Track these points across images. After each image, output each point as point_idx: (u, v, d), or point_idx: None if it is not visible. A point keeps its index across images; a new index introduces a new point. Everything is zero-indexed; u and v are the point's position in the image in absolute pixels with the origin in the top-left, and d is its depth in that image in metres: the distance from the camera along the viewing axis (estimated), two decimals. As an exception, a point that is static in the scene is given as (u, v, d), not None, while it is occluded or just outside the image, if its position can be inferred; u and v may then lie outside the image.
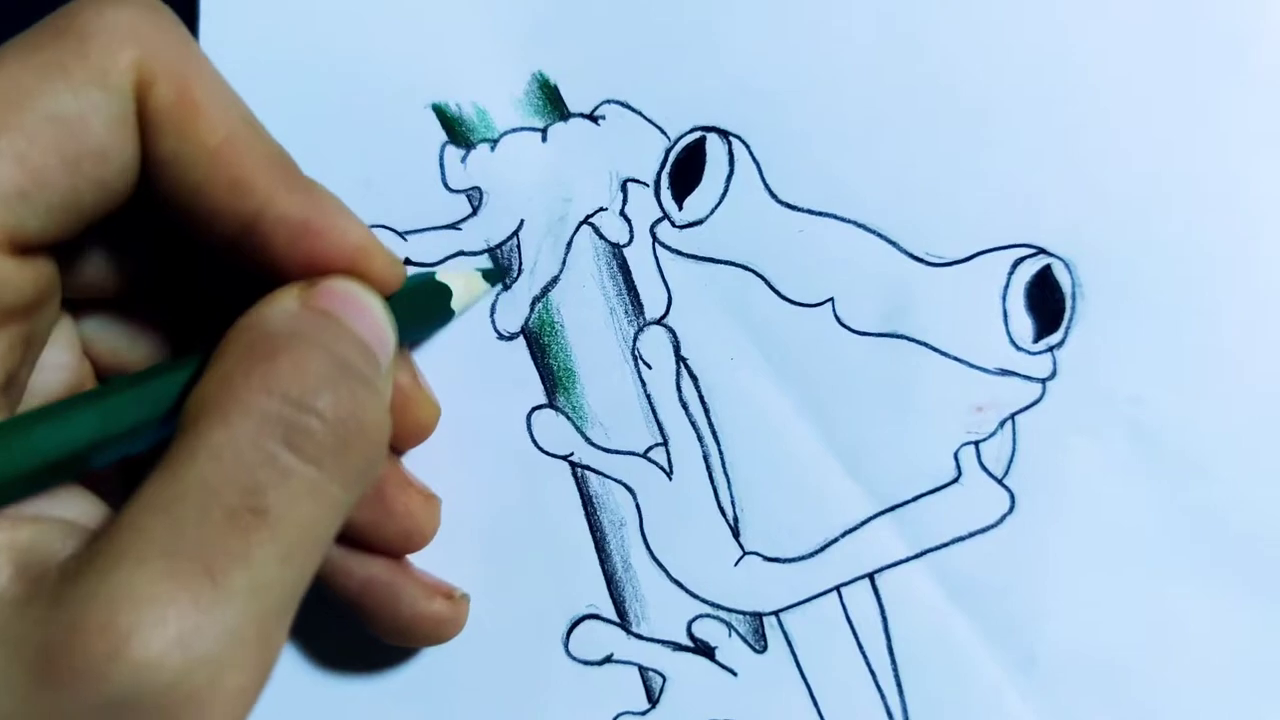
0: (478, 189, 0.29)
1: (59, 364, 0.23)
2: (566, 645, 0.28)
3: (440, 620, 0.27)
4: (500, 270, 0.28)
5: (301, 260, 0.22)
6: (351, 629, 0.27)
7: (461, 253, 0.28)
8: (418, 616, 0.26)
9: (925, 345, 0.28)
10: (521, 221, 0.29)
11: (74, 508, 0.20)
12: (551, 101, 0.28)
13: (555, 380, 0.28)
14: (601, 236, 0.28)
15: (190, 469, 0.18)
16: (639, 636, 0.28)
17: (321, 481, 0.19)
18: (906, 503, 0.28)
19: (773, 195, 0.28)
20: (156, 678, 0.17)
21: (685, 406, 0.28)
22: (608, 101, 0.28)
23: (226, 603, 0.18)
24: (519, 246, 0.28)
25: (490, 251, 0.29)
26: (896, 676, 0.28)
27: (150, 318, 0.25)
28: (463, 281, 0.28)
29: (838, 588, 0.28)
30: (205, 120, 0.21)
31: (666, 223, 0.28)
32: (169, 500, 0.18)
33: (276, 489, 0.19)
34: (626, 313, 0.28)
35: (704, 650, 0.28)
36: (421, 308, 0.27)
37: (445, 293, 0.27)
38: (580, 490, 0.28)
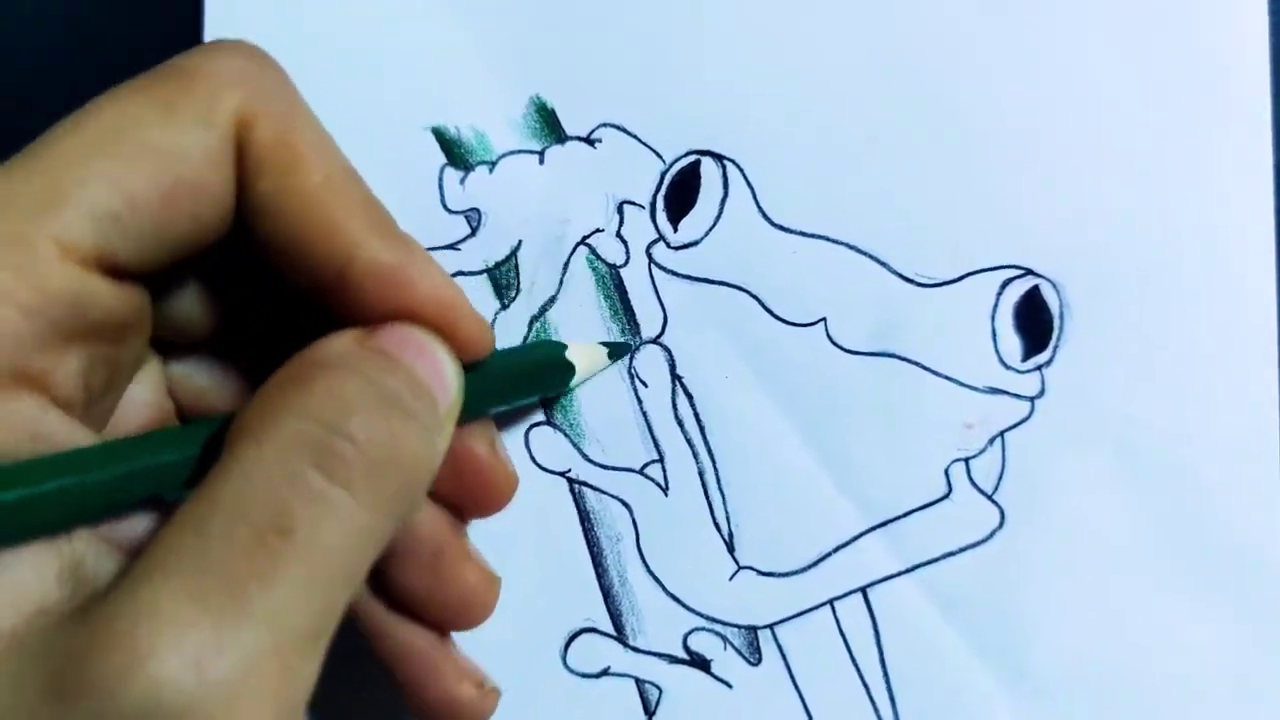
0: (476, 210, 0.29)
1: (144, 401, 0.24)
2: (564, 658, 0.29)
3: (464, 707, 0.26)
4: (625, 346, 0.29)
5: (389, 309, 0.22)
6: (348, 638, 0.27)
7: (460, 273, 0.29)
8: (443, 699, 0.25)
9: (916, 364, 0.28)
10: (519, 242, 0.29)
11: (139, 526, 0.20)
12: (549, 125, 0.29)
13: (553, 398, 0.29)
14: (598, 257, 0.29)
15: (222, 489, 0.18)
16: (636, 649, 0.29)
17: (351, 506, 0.19)
18: (898, 518, 0.28)
19: (766, 217, 0.29)
20: (170, 699, 0.17)
21: (681, 424, 0.29)
22: (604, 125, 0.29)
23: (247, 626, 0.17)
24: (517, 267, 0.29)
25: (489, 271, 0.29)
26: (889, 688, 0.28)
27: (237, 363, 0.25)
28: (586, 356, 0.28)
29: (831, 601, 0.28)
30: (304, 163, 0.21)
31: (662, 244, 0.29)
32: (199, 519, 0.18)
33: (303, 510, 0.18)
34: (623, 332, 0.29)
35: (699, 663, 0.29)
36: (534, 375, 0.27)
37: (565, 366, 0.27)
38: (578, 506, 0.29)
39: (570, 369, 0.27)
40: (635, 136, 0.29)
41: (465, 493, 0.25)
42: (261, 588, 0.18)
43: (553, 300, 0.29)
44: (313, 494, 0.18)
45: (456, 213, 0.29)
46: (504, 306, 0.29)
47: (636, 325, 0.29)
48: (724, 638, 0.29)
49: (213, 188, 0.21)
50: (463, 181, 0.29)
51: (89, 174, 0.20)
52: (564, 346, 0.28)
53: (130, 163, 0.20)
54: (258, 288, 0.24)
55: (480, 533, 0.29)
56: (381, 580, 0.25)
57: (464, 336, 0.23)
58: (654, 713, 0.29)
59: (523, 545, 0.29)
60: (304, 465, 0.19)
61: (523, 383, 0.27)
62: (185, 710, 0.17)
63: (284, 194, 0.21)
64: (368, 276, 0.21)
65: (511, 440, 0.29)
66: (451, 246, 0.29)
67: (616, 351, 0.29)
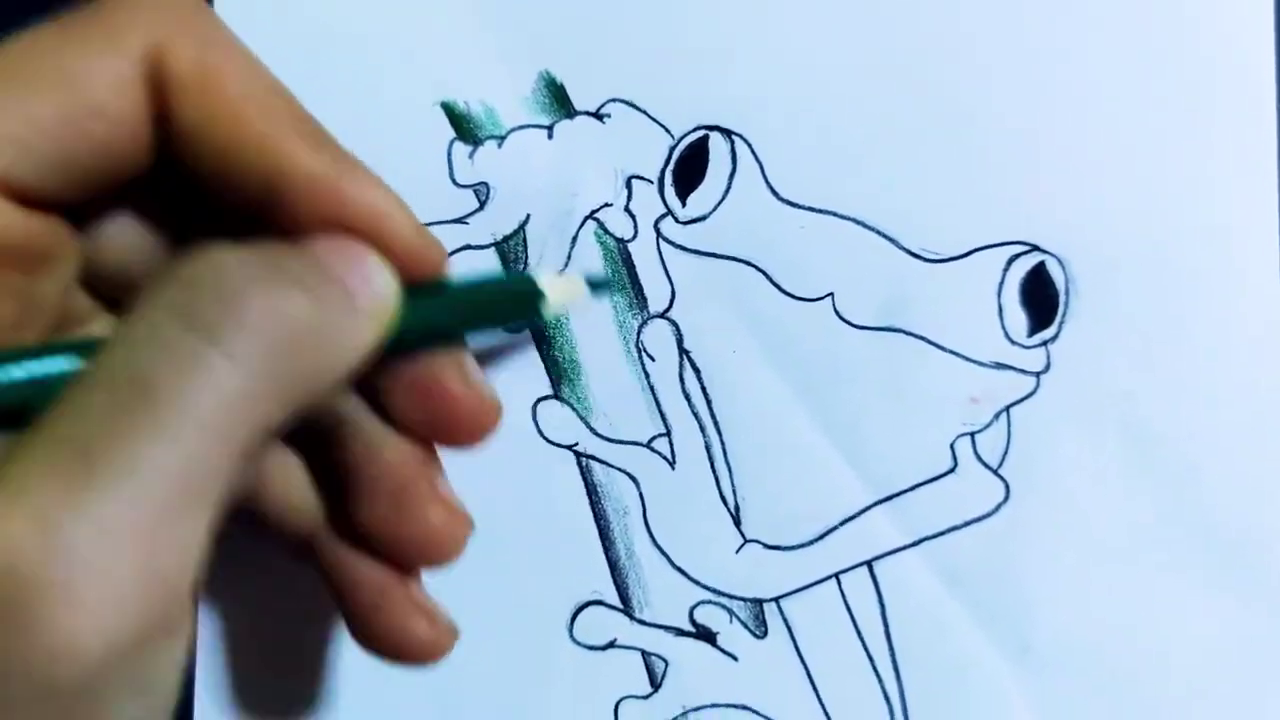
0: (484, 184, 0.29)
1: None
2: (571, 631, 0.29)
3: (414, 645, 0.24)
4: (606, 281, 0.28)
5: (323, 222, 0.21)
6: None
7: (469, 246, 0.29)
8: (392, 634, 0.24)
9: (922, 339, 0.28)
10: (528, 216, 0.29)
11: None
12: (558, 100, 0.29)
13: (560, 372, 0.29)
14: (606, 232, 0.29)
15: (94, 364, 0.18)
16: (642, 622, 0.29)
17: (225, 366, 0.18)
18: (904, 492, 0.28)
19: (774, 193, 0.29)
20: (18, 564, 0.16)
21: (688, 398, 0.29)
22: (613, 100, 0.29)
23: (98, 485, 0.16)
24: (525, 241, 0.29)
25: (496, 245, 0.29)
26: (894, 662, 0.28)
27: None
28: (561, 286, 0.26)
29: (836, 575, 0.29)
30: (225, 87, 0.21)
31: (670, 219, 0.29)
32: (70, 395, 0.17)
33: (167, 367, 0.17)
34: (630, 306, 0.29)
35: (706, 636, 0.29)
36: (500, 302, 0.25)
37: (533, 292, 0.25)
38: (585, 479, 0.29)
39: (540, 296, 0.25)
40: (644, 112, 0.29)
41: (437, 425, 0.24)
42: (115, 444, 0.17)
43: (560, 274, 0.29)
44: (180, 352, 0.17)
45: (465, 187, 0.29)
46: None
47: (644, 300, 0.29)
48: (730, 610, 0.29)
49: (123, 113, 0.21)
50: (471, 156, 0.29)
51: None
52: (534, 276, 0.26)
53: (35, 90, 0.20)
54: (196, 222, 0.23)
55: (487, 506, 0.29)
56: (341, 514, 0.24)
57: (403, 246, 0.22)
58: (660, 685, 0.29)
59: (529, 518, 0.29)
60: (174, 328, 0.18)
61: (487, 310, 0.25)
62: (35, 574, 0.16)
63: (205, 116, 0.21)
64: (301, 189, 0.21)
65: (519, 414, 0.29)
66: (459, 220, 0.29)
67: (598, 286, 0.27)
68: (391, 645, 0.24)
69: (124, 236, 0.23)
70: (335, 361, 0.20)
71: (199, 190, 0.22)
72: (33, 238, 0.21)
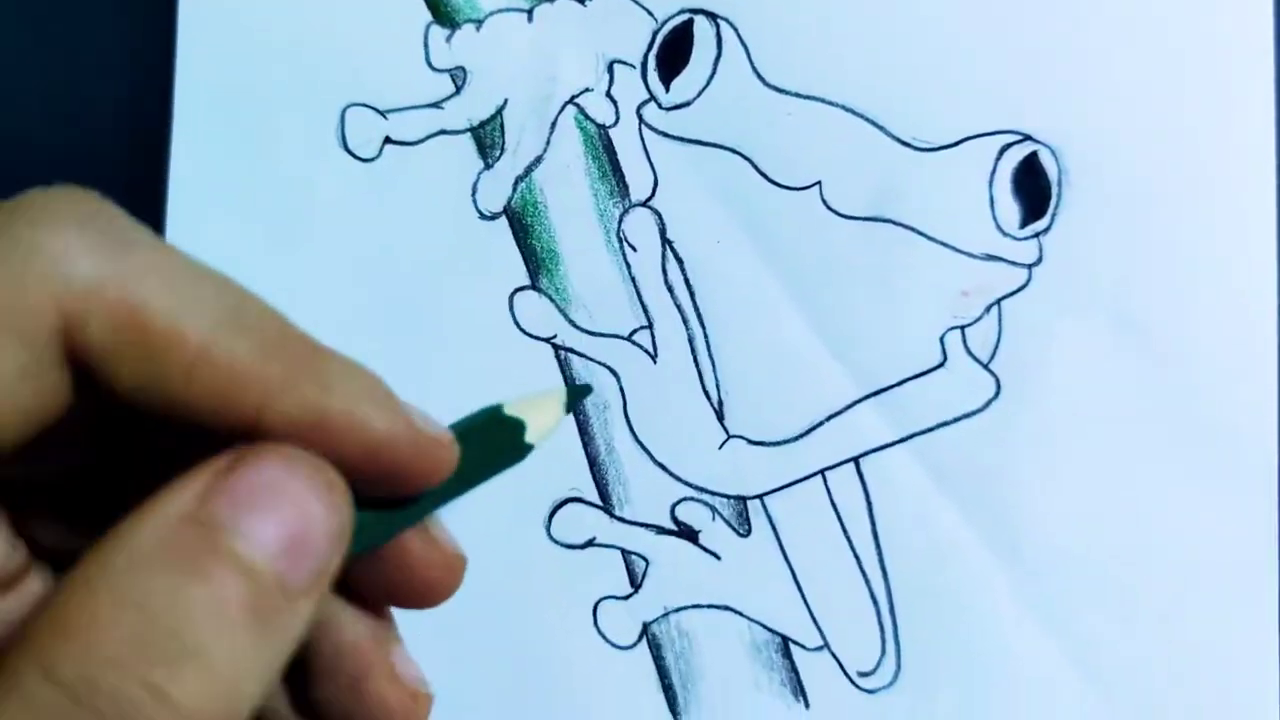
0: (461, 69, 0.28)
1: None
2: (548, 529, 0.28)
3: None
4: (585, 389, 0.25)
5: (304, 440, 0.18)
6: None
7: (444, 131, 0.28)
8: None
9: (912, 230, 0.28)
10: (505, 101, 0.28)
11: None
12: (538, -19, 0.28)
13: (538, 262, 0.28)
14: (587, 117, 0.28)
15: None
16: (622, 520, 0.28)
17: None
18: (892, 387, 0.28)
19: (760, 78, 0.28)
20: None
21: (671, 289, 0.28)
22: (595, -19, 0.28)
23: None
24: (502, 126, 0.28)
25: (473, 130, 0.28)
26: (881, 561, 0.28)
27: (107, 505, 0.22)
28: (538, 412, 0.21)
29: (822, 472, 0.28)
30: (164, 341, 0.18)
31: (653, 105, 0.28)
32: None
33: None
34: (611, 194, 0.28)
35: (687, 534, 0.28)
36: (480, 454, 0.21)
37: (515, 427, 0.22)
38: (563, 373, 0.28)
39: (519, 430, 0.21)
40: (627, -7, 0.28)
41: (398, 594, 0.22)
42: None
43: (539, 160, 0.28)
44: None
45: (441, 71, 0.28)
46: (488, 166, 0.28)
47: (626, 187, 0.28)
48: (713, 508, 0.28)
49: (39, 395, 0.18)
50: (448, 40, 0.28)
51: None
52: (499, 407, 0.22)
53: None
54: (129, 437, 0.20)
55: (462, 400, 0.28)
56: (297, 696, 0.22)
57: (408, 473, 0.19)
58: (640, 584, 0.28)
59: (506, 413, 0.28)
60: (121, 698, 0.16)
61: (462, 474, 0.21)
62: None
63: (150, 382, 0.18)
64: (280, 435, 0.18)
65: (495, 305, 0.28)
66: (435, 105, 0.28)
67: (577, 395, 0.22)
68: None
69: (35, 459, 0.20)
70: (249, 698, 0.18)
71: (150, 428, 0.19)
72: None
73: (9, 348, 0.17)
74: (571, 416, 0.28)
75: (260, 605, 0.17)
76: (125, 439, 0.21)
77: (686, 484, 0.28)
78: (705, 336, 0.28)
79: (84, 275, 0.18)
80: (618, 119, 0.28)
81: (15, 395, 0.18)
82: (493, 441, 0.22)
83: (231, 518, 0.17)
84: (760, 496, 0.28)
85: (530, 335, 0.28)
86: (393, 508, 0.19)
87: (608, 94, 0.28)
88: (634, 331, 0.28)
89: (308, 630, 0.18)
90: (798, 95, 0.28)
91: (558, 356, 0.28)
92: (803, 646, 0.28)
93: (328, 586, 0.18)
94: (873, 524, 0.28)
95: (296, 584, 0.17)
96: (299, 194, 0.28)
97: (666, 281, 0.28)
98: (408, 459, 0.19)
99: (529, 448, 0.22)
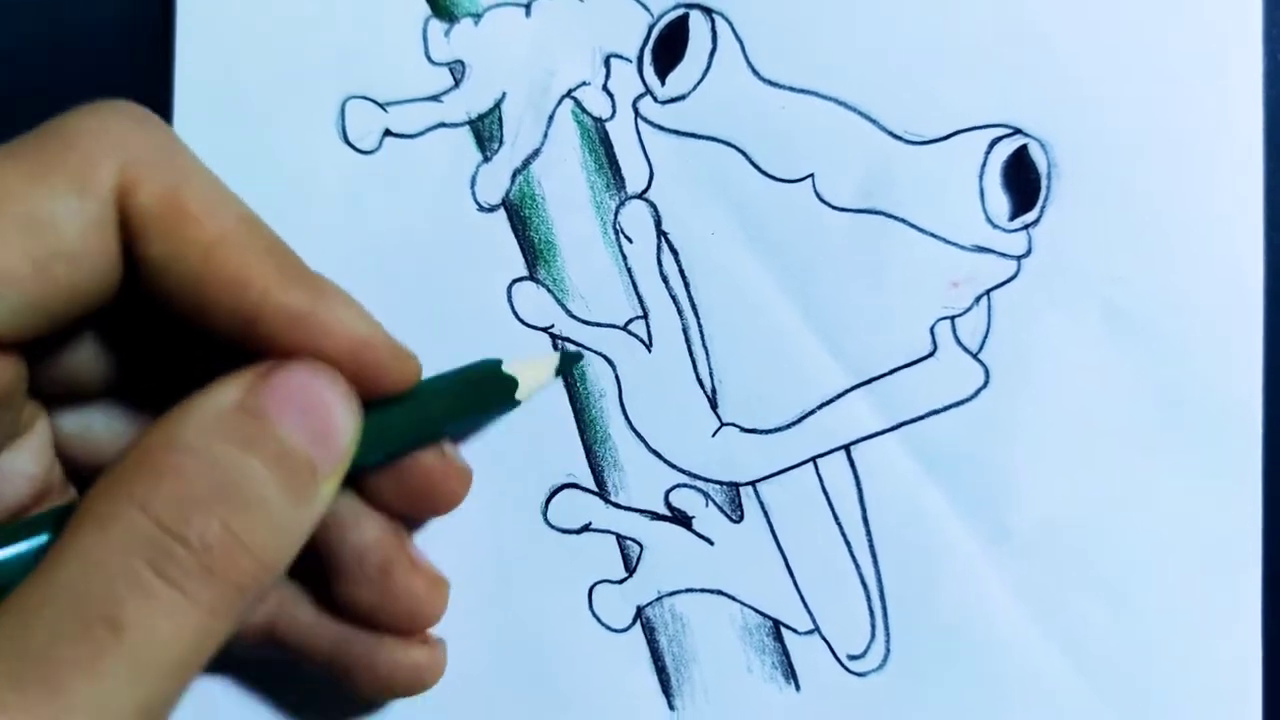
0: (460, 62, 0.29)
1: (24, 474, 0.23)
2: (545, 514, 0.29)
3: (420, 668, 0.26)
4: (576, 355, 0.28)
5: (299, 350, 0.21)
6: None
7: (443, 124, 0.28)
8: (396, 666, 0.26)
9: (903, 221, 0.28)
10: (504, 94, 0.29)
11: None
12: (535, -25, 0.29)
13: (536, 253, 0.29)
14: (584, 110, 0.29)
15: (55, 574, 0.18)
16: (617, 506, 0.28)
17: (183, 606, 0.18)
18: (882, 376, 0.28)
19: (755, 72, 0.28)
20: None
21: (665, 280, 0.28)
22: (592, -25, 0.28)
23: (64, 716, 0.17)
24: (500, 119, 0.29)
25: (471, 124, 0.29)
26: (871, 547, 0.28)
27: (138, 408, 0.24)
28: (531, 370, 0.28)
29: (814, 459, 0.28)
30: (195, 221, 0.21)
31: (649, 98, 0.28)
32: (30, 603, 0.18)
33: (135, 605, 0.18)
34: (608, 186, 0.28)
35: (681, 520, 0.29)
36: (475, 396, 0.27)
37: (506, 381, 0.27)
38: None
39: (510, 384, 0.27)
40: (623, -12, 0.28)
41: (413, 500, 0.26)
42: (84, 679, 0.17)
43: (536, 153, 0.29)
44: (145, 590, 0.18)
45: (440, 64, 0.29)
46: (486, 159, 0.29)
47: (622, 180, 0.28)
48: (706, 494, 0.28)
49: (92, 257, 0.20)
50: (447, 34, 0.29)
51: None
52: (499, 362, 0.27)
53: (3, 237, 0.19)
54: (158, 338, 0.23)
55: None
56: (325, 594, 0.25)
57: (383, 373, 0.22)
58: (635, 569, 0.29)
59: (504, 401, 0.28)
60: (138, 560, 0.18)
61: (458, 408, 0.26)
62: None
63: (176, 255, 0.21)
64: (277, 324, 0.21)
65: (493, 296, 0.28)
66: (434, 98, 0.29)
67: (568, 361, 0.28)
68: (400, 680, 0.26)
69: (82, 354, 0.23)
70: (284, 562, 0.21)
71: (168, 316, 0.22)
72: None
73: (84, 199, 0.20)
74: (569, 405, 0.28)
75: (296, 481, 0.20)
76: (154, 351, 0.23)
77: (680, 471, 0.28)
78: (699, 326, 0.28)
79: (141, 153, 0.21)
80: (614, 112, 0.28)
81: (86, 246, 0.20)
82: (489, 390, 0.27)
83: (274, 409, 0.20)
84: (752, 483, 0.28)
85: (528, 325, 0.28)
86: (392, 426, 0.24)
87: (604, 88, 0.28)
88: (630, 321, 0.28)
89: (326, 511, 0.21)
90: (791, 89, 0.28)
91: (555, 346, 0.28)
92: (794, 630, 0.28)
93: (342, 476, 0.22)
94: (863, 510, 0.28)
95: (323, 468, 0.21)
96: (299, 185, 0.28)
97: (661, 272, 0.28)
98: (383, 360, 0.22)
99: (516, 402, 0.27)
